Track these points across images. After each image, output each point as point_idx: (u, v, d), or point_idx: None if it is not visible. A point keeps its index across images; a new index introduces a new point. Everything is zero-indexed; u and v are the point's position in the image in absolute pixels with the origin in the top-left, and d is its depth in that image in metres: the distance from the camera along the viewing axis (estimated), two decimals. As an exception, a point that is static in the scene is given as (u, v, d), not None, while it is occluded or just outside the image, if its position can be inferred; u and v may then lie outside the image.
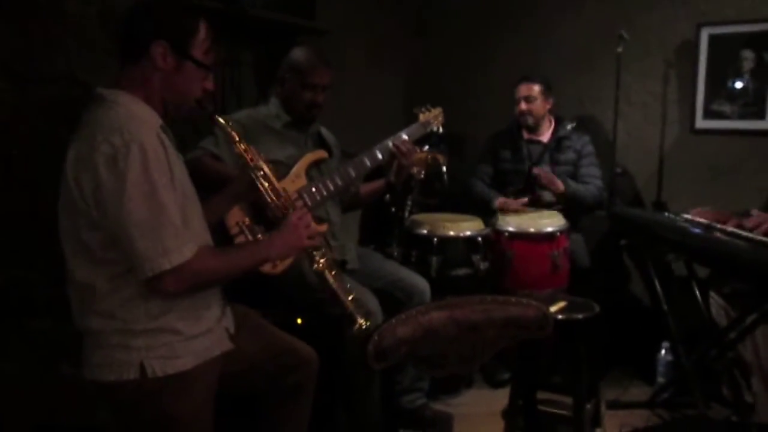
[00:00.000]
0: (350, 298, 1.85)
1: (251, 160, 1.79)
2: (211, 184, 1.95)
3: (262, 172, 1.79)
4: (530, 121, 3.32)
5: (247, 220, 2.14)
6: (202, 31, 1.60)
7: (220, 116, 1.77)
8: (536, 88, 3.30)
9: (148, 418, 1.56)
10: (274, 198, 1.81)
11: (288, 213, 1.79)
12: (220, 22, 2.58)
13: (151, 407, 1.54)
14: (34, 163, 2.07)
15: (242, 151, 1.79)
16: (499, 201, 3.28)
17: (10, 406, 2.06)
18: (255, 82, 2.89)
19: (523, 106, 3.30)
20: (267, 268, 2.12)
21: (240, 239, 2.12)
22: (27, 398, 2.07)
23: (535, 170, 3.21)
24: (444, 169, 3.51)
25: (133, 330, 1.52)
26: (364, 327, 1.81)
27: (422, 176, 3.16)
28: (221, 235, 2.09)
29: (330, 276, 1.81)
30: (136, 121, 1.48)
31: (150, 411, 1.54)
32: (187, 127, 1.92)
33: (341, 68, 3.46)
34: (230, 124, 1.79)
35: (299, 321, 2.35)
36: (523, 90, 3.31)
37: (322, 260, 1.80)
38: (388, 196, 3.33)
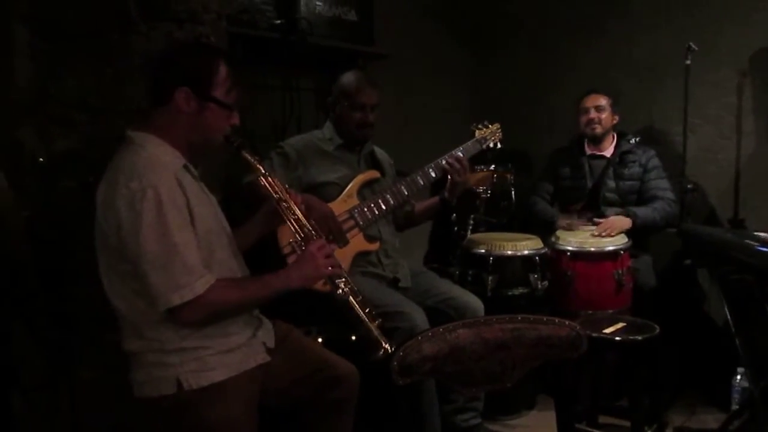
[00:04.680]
0: (376, 323, 1.85)
1: (275, 192, 1.84)
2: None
3: (285, 204, 1.84)
4: (598, 130, 3.23)
5: (299, 239, 2.22)
6: (222, 72, 1.69)
7: (246, 152, 1.82)
8: (606, 100, 3.23)
9: (189, 429, 1.65)
10: (297, 229, 1.85)
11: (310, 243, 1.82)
12: (280, 51, 2.75)
13: (190, 418, 1.63)
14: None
15: (267, 183, 1.84)
16: (561, 221, 3.21)
17: (89, 410, 2.19)
18: (315, 107, 2.99)
19: (593, 114, 3.22)
20: (319, 285, 2.18)
21: (292, 258, 2.17)
22: (103, 403, 2.19)
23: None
24: (511, 187, 3.52)
25: (167, 349, 1.63)
26: (389, 352, 1.80)
27: (488, 195, 3.15)
28: (275, 254, 2.19)
29: (355, 302, 1.83)
30: (154, 166, 1.59)
31: (189, 422, 1.63)
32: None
33: (404, 90, 3.54)
34: (256, 158, 1.84)
35: (353, 338, 2.41)
36: (592, 100, 3.24)
37: (346, 288, 1.82)
38: (454, 215, 3.36)
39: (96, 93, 2.24)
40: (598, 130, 3.23)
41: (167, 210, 1.55)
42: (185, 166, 1.68)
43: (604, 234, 2.96)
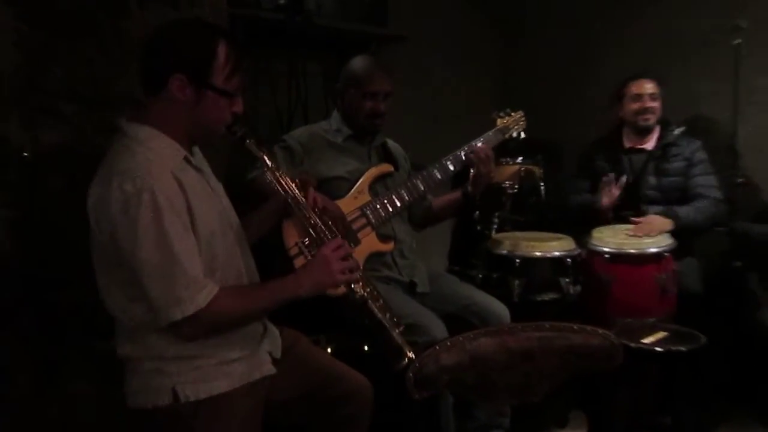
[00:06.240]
0: (398, 330, 1.75)
1: (283, 188, 1.79)
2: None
3: (294, 202, 1.79)
4: (652, 121, 3.03)
5: (306, 240, 2.07)
6: (221, 55, 1.54)
7: (251, 142, 1.73)
8: (657, 86, 3.04)
9: None
10: (309, 229, 1.80)
11: (322, 244, 1.74)
12: (285, 34, 2.66)
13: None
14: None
15: (274, 178, 1.78)
16: (604, 201, 2.97)
17: (78, 424, 2.12)
18: (324, 94, 2.90)
19: (648, 102, 3.02)
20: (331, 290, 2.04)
21: (299, 261, 2.06)
22: (94, 417, 2.13)
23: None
24: (540, 182, 3.36)
25: (165, 356, 1.56)
26: (414, 360, 1.69)
27: (515, 190, 3.03)
28: (281, 256, 2.07)
29: (375, 307, 1.74)
30: (151, 166, 1.47)
31: None
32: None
33: (422, 76, 3.48)
34: (262, 149, 1.76)
35: (366, 348, 2.26)
36: (644, 85, 3.03)
37: (365, 291, 1.74)
38: (477, 213, 3.20)
39: (86, 82, 2.14)
40: (652, 120, 3.04)
41: (165, 216, 1.45)
42: (186, 159, 1.57)
43: (642, 234, 2.76)
